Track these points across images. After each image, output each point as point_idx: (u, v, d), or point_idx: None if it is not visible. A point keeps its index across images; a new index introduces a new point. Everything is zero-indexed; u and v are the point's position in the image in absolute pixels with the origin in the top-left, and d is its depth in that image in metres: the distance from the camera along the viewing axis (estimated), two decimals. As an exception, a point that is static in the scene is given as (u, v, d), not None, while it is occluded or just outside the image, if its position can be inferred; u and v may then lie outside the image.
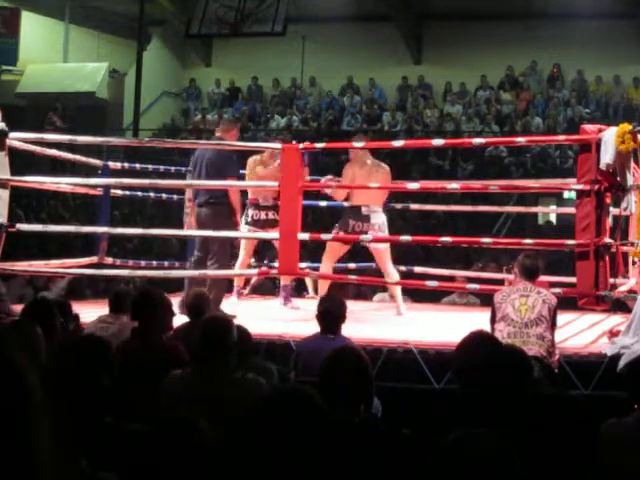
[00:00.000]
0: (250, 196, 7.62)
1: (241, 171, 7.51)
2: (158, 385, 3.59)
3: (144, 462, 2.05)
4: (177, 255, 9.49)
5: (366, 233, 6.90)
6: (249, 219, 7.56)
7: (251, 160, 7.70)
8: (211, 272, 6.87)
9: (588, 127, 5.97)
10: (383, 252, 7.14)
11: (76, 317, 5.08)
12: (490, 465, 1.85)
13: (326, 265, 7.27)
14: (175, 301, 5.27)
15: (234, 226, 6.87)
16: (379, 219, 7.06)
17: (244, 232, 7.43)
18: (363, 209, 7.01)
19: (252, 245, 7.70)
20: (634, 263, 6.11)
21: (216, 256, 6.77)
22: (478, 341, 3.29)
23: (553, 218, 13.99)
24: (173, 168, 9.24)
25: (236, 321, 4.31)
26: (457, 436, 1.90)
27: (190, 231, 8.26)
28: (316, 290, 8.43)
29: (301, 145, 6.56)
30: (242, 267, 7.60)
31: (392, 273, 7.18)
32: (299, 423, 2.25)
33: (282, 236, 6.36)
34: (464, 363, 3.18)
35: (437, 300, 8.50)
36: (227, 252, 6.99)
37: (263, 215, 7.56)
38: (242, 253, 7.61)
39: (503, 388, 3.05)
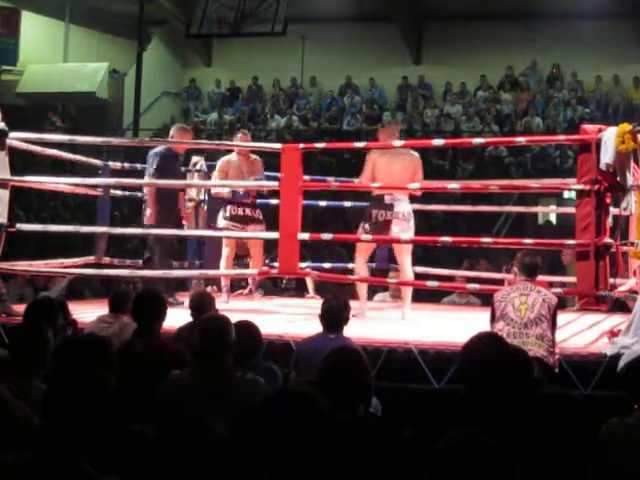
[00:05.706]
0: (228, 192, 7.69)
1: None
2: (159, 386, 3.59)
3: (150, 463, 2.05)
4: (177, 255, 9.47)
5: (390, 221, 6.67)
6: (227, 214, 7.64)
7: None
8: (211, 272, 6.88)
9: (588, 127, 5.96)
10: (403, 246, 6.86)
11: (74, 322, 5.07)
12: (490, 465, 1.85)
13: (358, 261, 7.02)
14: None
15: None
16: (404, 208, 6.75)
17: (247, 233, 7.47)
18: (386, 197, 6.70)
19: (234, 240, 7.70)
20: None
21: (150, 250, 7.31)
22: (486, 342, 3.27)
23: (553, 218, 13.99)
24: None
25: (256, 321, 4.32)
26: (457, 437, 1.90)
27: (190, 231, 8.28)
28: (316, 290, 8.42)
29: (301, 145, 6.57)
30: (227, 262, 7.62)
31: (407, 271, 6.90)
32: (299, 423, 2.26)
33: (282, 236, 6.36)
34: (471, 364, 3.16)
35: (437, 300, 8.50)
36: (163, 248, 7.37)
37: (241, 211, 7.66)
38: (225, 249, 7.64)
39: (506, 388, 3.05)
